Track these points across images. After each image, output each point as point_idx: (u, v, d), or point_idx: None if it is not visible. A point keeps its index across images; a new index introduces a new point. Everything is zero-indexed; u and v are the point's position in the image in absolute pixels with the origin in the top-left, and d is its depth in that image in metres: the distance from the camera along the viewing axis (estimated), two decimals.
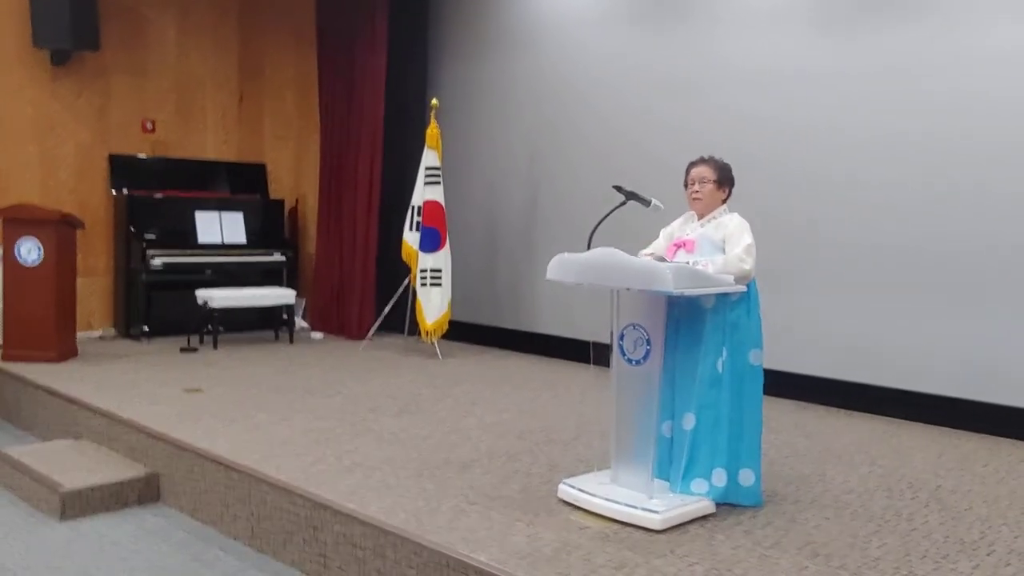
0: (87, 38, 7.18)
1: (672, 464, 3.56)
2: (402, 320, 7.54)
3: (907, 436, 4.88)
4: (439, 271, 6.96)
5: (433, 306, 6.94)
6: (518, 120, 7.38)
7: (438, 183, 7.01)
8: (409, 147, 7.75)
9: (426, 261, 6.95)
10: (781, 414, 5.17)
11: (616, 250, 3.39)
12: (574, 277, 3.51)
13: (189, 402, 5.22)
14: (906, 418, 5.21)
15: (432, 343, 6.99)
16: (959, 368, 5.04)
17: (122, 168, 7.64)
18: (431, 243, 6.95)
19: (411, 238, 7.09)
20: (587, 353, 6.72)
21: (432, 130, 7.02)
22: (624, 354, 3.53)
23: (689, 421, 3.50)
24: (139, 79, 7.75)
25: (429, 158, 7.03)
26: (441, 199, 7.00)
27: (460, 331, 7.49)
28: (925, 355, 5.16)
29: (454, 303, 7.12)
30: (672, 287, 3.15)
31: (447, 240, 7.01)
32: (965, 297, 5.01)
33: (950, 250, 5.06)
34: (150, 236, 7.32)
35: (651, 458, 3.45)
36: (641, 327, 3.46)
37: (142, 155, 7.77)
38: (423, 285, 6.96)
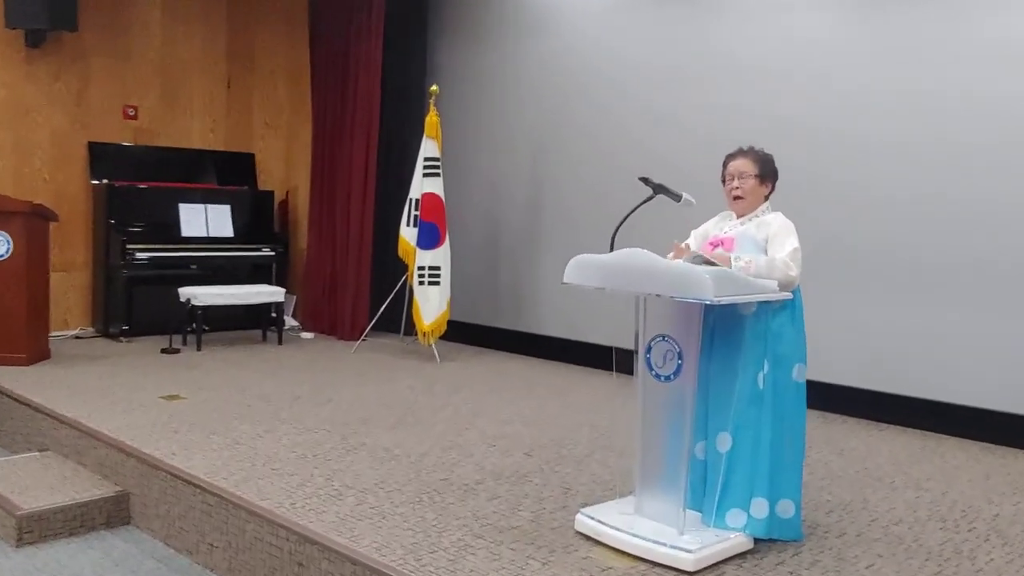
0: (64, 18, 6.73)
1: (706, 491, 3.15)
2: (398, 319, 7.13)
3: (947, 453, 4.48)
4: (438, 269, 6.54)
5: (431, 306, 6.52)
6: (522, 108, 6.97)
7: (437, 175, 6.59)
8: (407, 136, 7.35)
9: (424, 258, 6.53)
10: (808, 427, 4.73)
11: (644, 251, 2.97)
12: (595, 281, 3.09)
13: (167, 411, 4.80)
14: (940, 431, 4.84)
15: (430, 345, 6.58)
16: (997, 379, 4.65)
17: (102, 157, 7.20)
18: (429, 239, 6.52)
19: (408, 234, 6.67)
20: (594, 357, 6.42)
21: (431, 118, 6.59)
22: (652, 369, 3.11)
23: (725, 442, 3.09)
24: (121, 62, 7.30)
25: (428, 148, 6.61)
26: (440, 192, 6.58)
27: (458, 331, 7.09)
28: (960, 365, 4.77)
29: (452, 302, 6.71)
30: (712, 295, 2.74)
31: (446, 236, 6.58)
32: (1003, 305, 4.62)
33: (985, 256, 4.66)
34: (131, 229, 6.89)
35: (682, 487, 3.04)
36: (672, 339, 3.04)
37: (127, 143, 7.33)
38: (421, 284, 6.54)
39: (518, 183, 7.01)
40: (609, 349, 6.14)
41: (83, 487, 4.06)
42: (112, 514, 3.96)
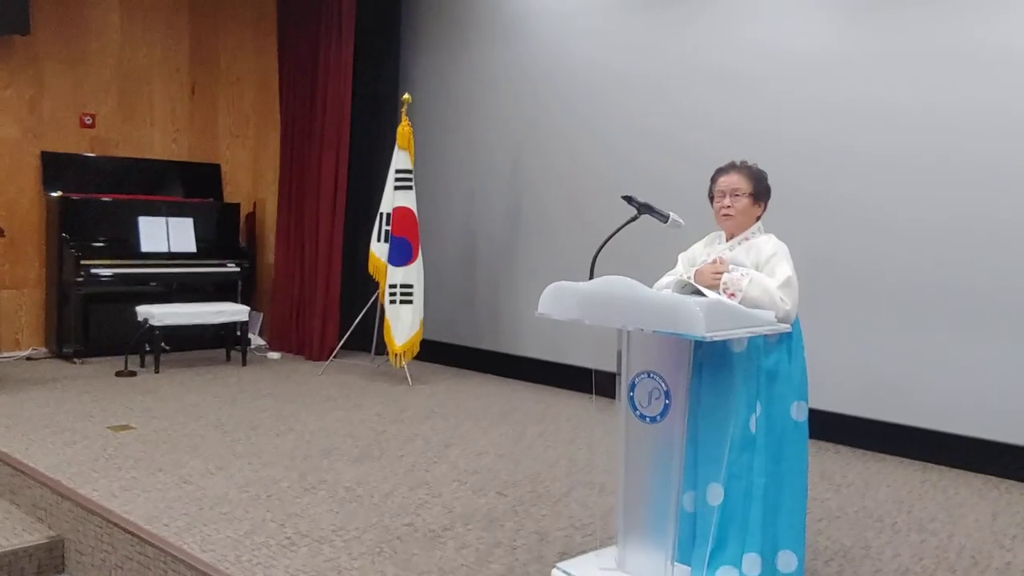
0: (15, 20, 6.37)
1: (695, 546, 2.83)
2: (369, 337, 6.79)
3: (949, 488, 4.20)
4: (410, 287, 6.21)
5: (403, 326, 6.19)
6: (498, 118, 6.66)
7: (410, 188, 6.27)
8: (378, 147, 7.03)
9: (396, 275, 6.20)
10: None
11: (627, 279, 2.66)
12: (573, 312, 2.78)
13: (113, 443, 4.44)
14: (940, 463, 4.57)
15: (402, 367, 6.24)
16: (1001, 409, 4.38)
17: (56, 167, 6.83)
18: (401, 255, 6.20)
19: (379, 249, 6.34)
20: (575, 379, 6.11)
21: (404, 128, 6.27)
22: (636, 408, 2.80)
23: (716, 494, 2.78)
24: (77, 68, 6.93)
25: (400, 160, 6.29)
26: (413, 206, 6.25)
27: (432, 351, 6.77)
28: (962, 393, 4.50)
29: (426, 321, 6.38)
30: (703, 330, 2.43)
31: (419, 252, 6.26)
32: (1007, 330, 4.35)
33: (989, 279, 4.40)
34: (86, 244, 6.53)
35: (670, 541, 2.73)
36: (658, 376, 2.74)
37: (83, 153, 6.96)
38: (392, 302, 6.21)
39: (495, 196, 6.70)
40: (590, 372, 5.88)
41: (13, 532, 3.70)
42: (44, 562, 3.60)
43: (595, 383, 3.36)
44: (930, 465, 4.57)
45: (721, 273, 2.85)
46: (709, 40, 5.45)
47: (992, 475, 4.39)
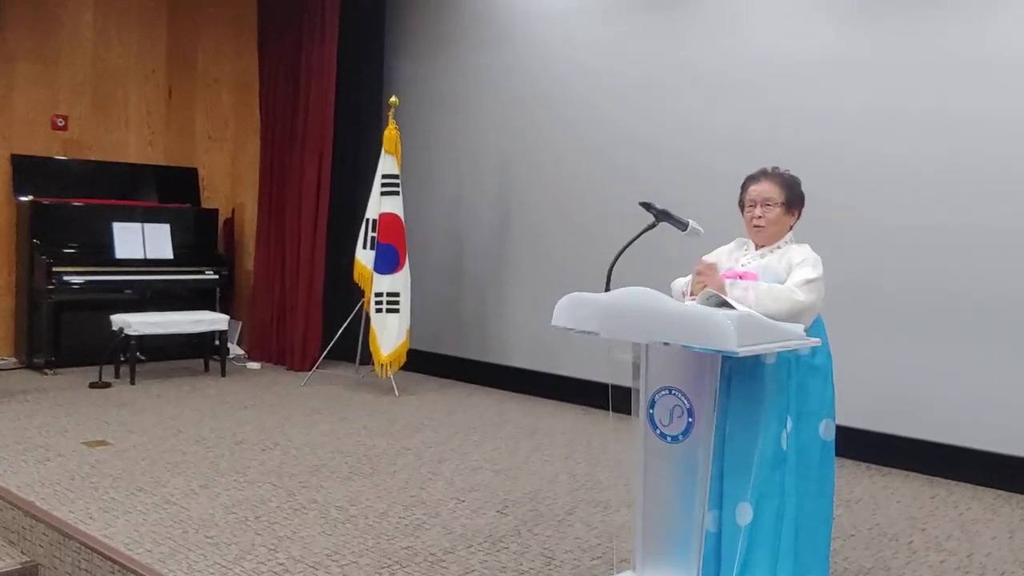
0: None
1: (720, 568, 2.68)
2: (353, 346, 6.59)
3: (961, 503, 4.08)
4: (396, 295, 6.03)
5: (389, 335, 6.00)
6: (487, 122, 6.50)
7: (396, 193, 6.09)
8: (363, 152, 6.86)
9: (382, 284, 6.01)
10: None
11: (650, 290, 2.50)
12: (591, 324, 2.61)
13: (89, 460, 4.22)
14: (948, 476, 4.45)
15: (388, 377, 6.05)
16: (1010, 421, 4.27)
17: (27, 171, 6.57)
18: (388, 263, 6.01)
19: (365, 257, 6.14)
20: (565, 390, 5.95)
21: (390, 132, 6.09)
22: (656, 427, 2.64)
23: (745, 514, 2.62)
24: (49, 68, 6.68)
25: (386, 164, 6.11)
26: (400, 212, 6.07)
27: (419, 361, 6.58)
28: (970, 407, 4.39)
29: (413, 330, 6.19)
30: (735, 344, 2.27)
31: (406, 259, 6.07)
32: (1017, 344, 4.24)
33: (996, 287, 4.30)
34: (58, 250, 6.28)
35: (695, 567, 2.57)
36: (680, 393, 2.58)
37: (55, 156, 6.71)
38: (379, 311, 6.02)
39: (484, 202, 6.53)
40: (580, 382, 5.73)
41: None
42: None
43: (610, 398, 3.17)
44: (936, 479, 4.45)
45: (703, 280, 2.69)
46: (701, 46, 5.32)
47: (1003, 490, 4.28)
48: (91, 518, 3.44)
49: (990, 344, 4.32)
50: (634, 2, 5.69)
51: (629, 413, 2.70)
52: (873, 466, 4.64)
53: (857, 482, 4.37)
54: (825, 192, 4.76)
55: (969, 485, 4.36)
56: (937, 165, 4.48)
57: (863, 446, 4.69)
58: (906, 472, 4.55)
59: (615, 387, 2.85)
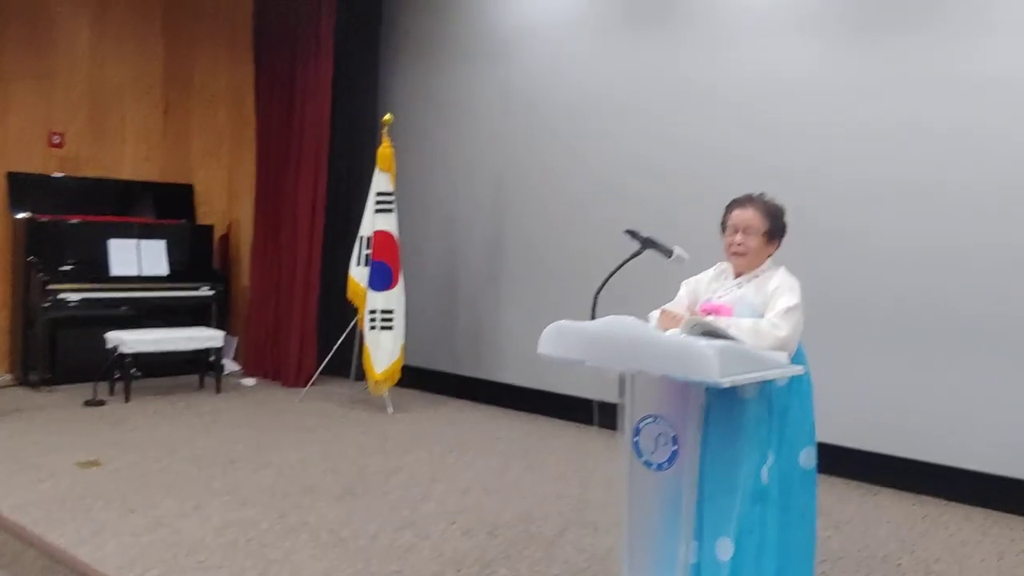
0: None
1: None
2: (348, 362, 6.60)
3: (951, 524, 4.09)
4: (391, 312, 6.04)
5: (383, 353, 6.01)
6: (481, 140, 6.52)
7: (391, 211, 6.10)
8: (358, 169, 6.86)
9: (376, 301, 6.03)
10: None
11: (634, 319, 2.53)
12: (576, 352, 2.63)
13: (82, 481, 4.23)
14: (939, 496, 4.46)
15: (382, 394, 6.07)
16: (1001, 441, 4.29)
17: (23, 188, 6.58)
18: (382, 280, 6.03)
19: (358, 274, 6.16)
20: (558, 408, 5.96)
21: (384, 150, 6.11)
22: (641, 455, 2.66)
23: (726, 549, 2.62)
24: (45, 85, 6.71)
25: (380, 182, 6.12)
26: (394, 229, 6.09)
27: (413, 377, 6.59)
28: (961, 426, 4.40)
29: (407, 346, 6.20)
30: (718, 375, 2.29)
31: (400, 277, 6.09)
32: (1007, 363, 4.26)
33: (989, 307, 4.32)
34: (53, 267, 6.30)
35: None
36: (665, 421, 2.60)
37: (52, 174, 6.73)
38: (372, 328, 6.04)
39: (478, 219, 6.56)
40: (574, 399, 5.74)
41: None
42: None
43: (595, 413, 3.19)
44: (927, 498, 4.46)
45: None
46: (693, 63, 5.35)
47: (993, 510, 4.29)
48: (82, 542, 3.45)
49: (981, 363, 4.34)
50: (627, 19, 5.72)
51: (615, 429, 2.72)
52: (864, 485, 4.65)
53: (848, 502, 4.38)
54: (813, 209, 4.82)
55: (961, 505, 4.37)
56: (925, 183, 4.51)
57: (855, 465, 4.71)
58: (898, 491, 4.56)
59: (602, 403, 2.88)
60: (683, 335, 2.51)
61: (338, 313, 6.71)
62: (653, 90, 5.55)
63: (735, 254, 2.82)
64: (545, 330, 2.68)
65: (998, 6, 4.29)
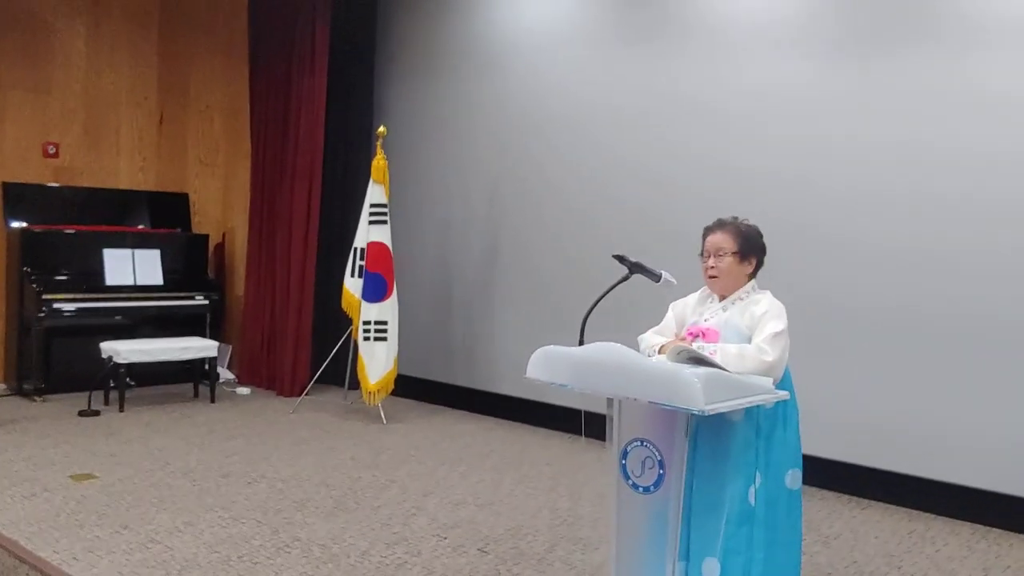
0: None
1: None
2: (342, 371, 6.64)
3: (938, 539, 4.12)
4: (384, 324, 6.07)
5: (377, 364, 6.05)
6: (476, 152, 6.55)
7: (385, 223, 6.14)
8: (352, 181, 6.91)
9: (370, 312, 6.06)
10: None
11: (621, 346, 2.56)
12: (563, 377, 2.67)
13: (75, 495, 4.25)
14: (926, 510, 4.49)
15: (376, 405, 6.10)
16: (989, 457, 4.32)
17: (18, 198, 6.62)
18: (376, 291, 6.06)
19: (352, 285, 6.19)
20: (551, 418, 6.00)
21: (378, 162, 6.15)
22: (628, 477, 2.70)
23: (712, 570, 2.66)
24: (40, 95, 6.74)
25: (375, 194, 6.16)
26: (388, 241, 6.12)
27: (407, 387, 6.62)
28: (949, 441, 4.44)
29: (401, 356, 6.24)
30: (703, 403, 2.33)
31: (394, 288, 6.12)
32: (995, 377, 4.30)
33: (979, 321, 4.35)
34: (48, 277, 6.33)
35: None
36: (652, 445, 2.63)
37: (47, 183, 6.75)
38: (366, 339, 6.07)
39: (472, 231, 6.59)
40: (567, 410, 5.77)
41: None
42: None
43: (583, 423, 3.23)
44: (916, 512, 4.49)
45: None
46: (689, 76, 5.39)
47: (980, 524, 4.32)
48: (75, 558, 3.48)
49: (971, 377, 4.37)
50: (621, 31, 5.75)
51: (603, 440, 2.77)
52: (853, 499, 4.69)
53: (837, 516, 4.41)
54: (808, 221, 4.86)
55: (948, 519, 4.40)
56: (919, 196, 4.53)
57: (843, 479, 4.75)
58: (886, 505, 4.60)
59: (588, 413, 2.92)
60: (669, 362, 2.54)
61: (333, 322, 6.75)
62: (647, 101, 5.58)
63: (710, 278, 2.87)
64: (533, 354, 2.71)
65: (991, 22, 4.33)
